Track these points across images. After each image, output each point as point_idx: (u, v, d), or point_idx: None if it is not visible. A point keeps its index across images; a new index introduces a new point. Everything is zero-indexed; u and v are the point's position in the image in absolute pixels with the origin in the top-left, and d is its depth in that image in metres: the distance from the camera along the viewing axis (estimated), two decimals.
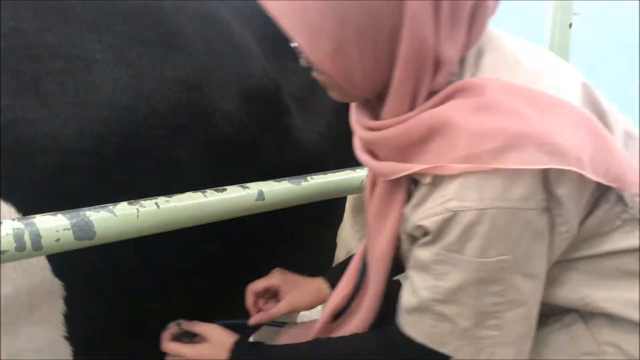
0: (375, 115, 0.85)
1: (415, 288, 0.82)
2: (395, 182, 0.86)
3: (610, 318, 0.84)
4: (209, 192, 0.95)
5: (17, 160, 0.92)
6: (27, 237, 0.79)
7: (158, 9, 1.10)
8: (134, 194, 0.93)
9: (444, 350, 0.81)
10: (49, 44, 0.97)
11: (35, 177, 0.93)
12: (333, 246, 1.46)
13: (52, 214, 0.83)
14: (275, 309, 1.09)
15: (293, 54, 1.27)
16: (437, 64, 0.76)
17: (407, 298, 0.84)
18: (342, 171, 1.18)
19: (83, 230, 0.84)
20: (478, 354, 0.80)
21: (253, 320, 1.09)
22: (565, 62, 0.91)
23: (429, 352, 0.82)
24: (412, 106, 0.78)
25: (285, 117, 1.22)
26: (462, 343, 0.80)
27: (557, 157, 0.72)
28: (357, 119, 0.88)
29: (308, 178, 1.11)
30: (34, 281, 0.96)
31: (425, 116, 0.76)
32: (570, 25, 1.61)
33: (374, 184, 0.93)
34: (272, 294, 1.13)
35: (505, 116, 0.73)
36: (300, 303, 1.11)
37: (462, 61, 0.81)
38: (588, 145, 0.75)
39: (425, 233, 0.79)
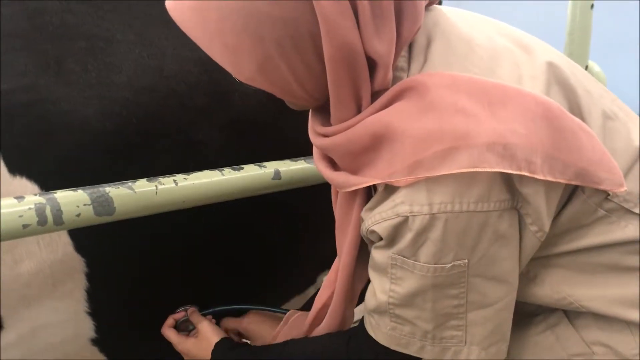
0: (328, 121, 0.81)
1: (375, 290, 0.80)
2: (353, 193, 0.84)
3: (598, 316, 0.80)
4: (226, 170, 0.96)
5: (40, 138, 0.94)
6: (48, 212, 0.81)
7: None
8: (154, 174, 0.94)
9: (407, 352, 0.79)
10: (71, 24, 0.98)
11: (58, 155, 0.95)
12: None
13: (73, 190, 0.84)
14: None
15: None
16: (371, 63, 0.72)
17: (368, 298, 0.82)
18: None
19: (103, 205, 0.85)
20: (443, 353, 0.78)
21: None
22: (534, 37, 0.86)
23: (392, 353, 0.80)
24: (358, 109, 0.75)
25: None
26: (425, 343, 0.78)
27: (506, 159, 0.66)
28: (311, 125, 0.86)
29: None
30: (57, 257, 0.98)
31: (369, 122, 0.73)
32: (592, 6, 1.57)
33: (337, 192, 0.91)
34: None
35: (451, 116, 0.68)
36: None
37: (409, 51, 0.77)
38: (545, 141, 0.68)
39: (380, 238, 0.77)
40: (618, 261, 0.77)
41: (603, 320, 0.80)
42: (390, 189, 0.74)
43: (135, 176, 0.92)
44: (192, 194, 0.92)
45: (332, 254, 0.97)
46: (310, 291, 1.41)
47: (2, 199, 0.79)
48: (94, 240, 1.00)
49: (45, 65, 0.95)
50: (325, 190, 0.97)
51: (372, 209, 0.77)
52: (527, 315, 0.86)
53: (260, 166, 0.99)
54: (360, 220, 0.83)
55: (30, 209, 0.79)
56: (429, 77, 0.71)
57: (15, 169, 0.94)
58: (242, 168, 0.97)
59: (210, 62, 1.13)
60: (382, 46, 0.71)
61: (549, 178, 0.68)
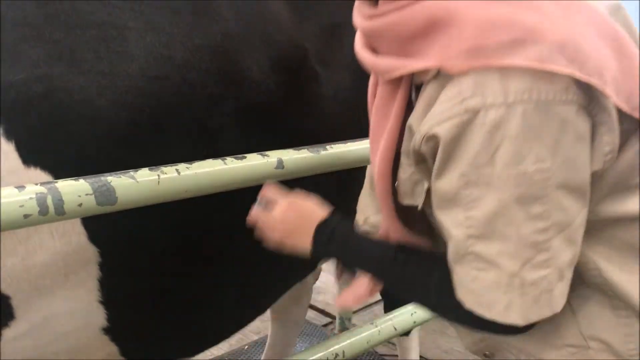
0: (376, 4, 0.75)
1: (449, 232, 0.71)
2: (395, 86, 0.77)
3: (603, 309, 0.74)
4: (228, 159, 0.95)
5: (54, 129, 0.94)
6: (50, 202, 0.81)
7: None
8: (167, 162, 0.93)
9: (493, 314, 0.70)
10: (83, 12, 0.98)
11: (72, 146, 0.96)
12: (352, 213, 1.43)
13: (74, 179, 0.85)
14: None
15: (320, 17, 1.26)
16: None
17: (449, 252, 0.74)
18: (361, 141, 1.14)
19: (104, 195, 0.86)
20: (534, 308, 0.69)
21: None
22: None
23: (482, 324, 0.72)
24: None
25: (313, 84, 1.21)
26: (512, 296, 0.69)
27: (576, 63, 0.62)
28: (357, 7, 0.80)
29: (327, 147, 1.08)
30: (70, 247, 0.99)
31: (427, 5, 0.67)
32: None
33: (375, 93, 0.83)
34: None
35: (524, 9, 0.64)
36: None
37: None
38: (612, 63, 0.65)
39: (435, 150, 0.68)
40: None
41: (608, 315, 0.75)
42: (445, 83, 0.68)
43: (148, 165, 0.92)
44: (195, 183, 0.91)
45: None
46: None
47: (3, 188, 0.80)
48: (108, 230, 1.01)
49: (58, 55, 0.95)
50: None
51: (425, 110, 0.71)
52: None
53: (263, 155, 0.98)
54: (409, 132, 0.75)
55: (31, 198, 0.80)
56: None
57: (29, 160, 0.94)
58: (245, 157, 0.96)
59: (219, 49, 1.15)
60: None
61: (615, 98, 0.65)
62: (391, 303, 1.72)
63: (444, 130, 0.67)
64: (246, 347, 2.46)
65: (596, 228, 0.73)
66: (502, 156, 0.65)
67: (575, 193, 0.68)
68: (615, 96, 0.65)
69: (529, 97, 0.64)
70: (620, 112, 0.68)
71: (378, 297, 1.98)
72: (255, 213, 0.93)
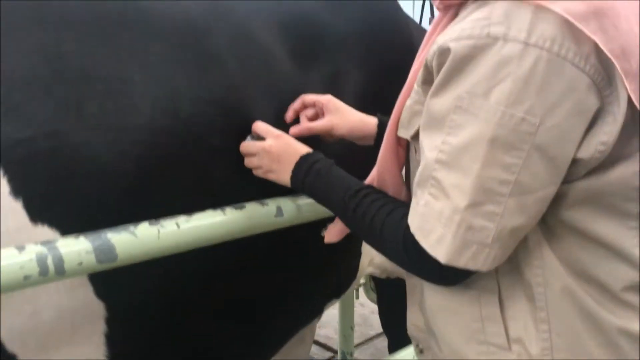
0: None
1: (424, 151, 0.72)
2: (442, 15, 0.78)
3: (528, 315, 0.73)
4: (228, 209, 0.95)
5: (62, 185, 0.95)
6: (50, 262, 0.82)
7: (193, 29, 1.11)
8: (171, 213, 0.94)
9: (425, 242, 0.70)
10: (90, 67, 1.00)
11: (79, 201, 0.96)
12: (358, 254, 1.41)
13: (75, 237, 0.86)
14: (314, 124, 1.07)
15: (321, 65, 1.27)
16: None
17: (416, 176, 0.75)
18: None
19: (105, 252, 0.86)
20: (460, 251, 0.69)
21: (292, 130, 1.09)
22: None
23: (419, 256, 0.72)
24: None
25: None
26: (446, 232, 0.68)
27: (606, 35, 0.62)
28: None
29: None
30: (77, 303, 0.99)
31: None
32: None
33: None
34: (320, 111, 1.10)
35: None
36: (340, 126, 1.07)
37: None
38: None
39: (441, 67, 0.68)
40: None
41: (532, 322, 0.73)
42: (481, 4, 0.68)
43: (154, 216, 0.92)
44: (195, 236, 0.91)
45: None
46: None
47: (3, 249, 0.80)
48: (115, 284, 1.00)
49: (66, 110, 0.97)
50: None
51: (451, 26, 0.70)
52: (479, 288, 0.78)
53: (262, 204, 0.97)
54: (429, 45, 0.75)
55: (31, 259, 0.81)
56: None
57: (37, 217, 0.95)
58: (244, 206, 0.96)
59: (224, 101, 1.16)
60: None
61: (629, 91, 0.64)
62: (396, 342, 1.69)
63: (458, 47, 0.66)
64: None
65: (553, 229, 0.72)
66: (499, 92, 0.64)
67: (550, 163, 0.66)
68: (631, 88, 0.64)
69: (550, 46, 0.63)
70: (628, 114, 0.66)
71: (380, 329, 1.95)
72: (246, 144, 1.04)
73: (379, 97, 1.23)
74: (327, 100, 1.09)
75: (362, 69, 1.33)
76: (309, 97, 1.11)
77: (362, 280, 2.03)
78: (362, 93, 1.30)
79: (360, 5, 1.39)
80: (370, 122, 1.08)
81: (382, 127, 1.05)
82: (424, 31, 1.23)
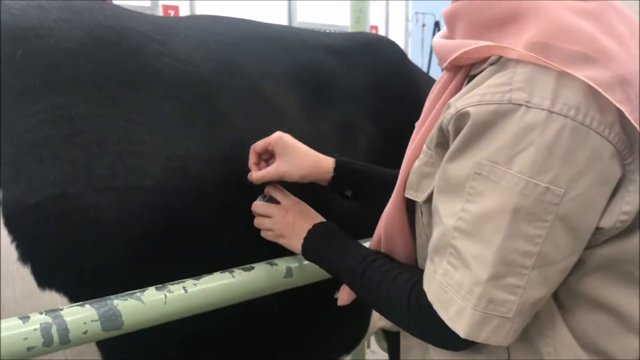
0: None
1: (440, 218, 0.69)
2: (454, 73, 0.75)
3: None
4: (236, 271, 0.93)
5: (70, 250, 0.94)
6: (54, 332, 0.80)
7: (203, 88, 1.12)
8: (184, 276, 0.92)
9: (445, 314, 0.67)
10: (100, 129, 1.00)
11: (87, 265, 0.95)
12: (369, 310, 1.36)
13: (80, 305, 0.84)
14: (264, 172, 1.03)
15: (334, 117, 1.26)
16: None
17: (431, 240, 0.72)
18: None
19: (110, 320, 0.84)
20: (481, 325, 0.65)
21: (250, 177, 1.06)
22: None
23: (432, 323, 0.69)
24: None
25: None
26: (467, 304, 0.65)
27: (631, 104, 0.61)
28: None
29: None
30: None
31: None
32: None
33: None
34: (271, 156, 1.07)
35: (607, 33, 0.63)
36: (290, 173, 1.02)
37: None
38: None
39: (460, 131, 0.65)
40: None
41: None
42: (502, 69, 0.65)
43: (165, 280, 0.91)
44: (203, 300, 0.89)
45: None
46: None
47: (5, 320, 0.79)
48: (123, 350, 0.98)
49: (74, 174, 0.96)
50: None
51: (467, 92, 0.68)
52: (488, 352, 0.75)
53: (271, 264, 0.95)
54: (443, 108, 0.73)
55: (35, 330, 0.79)
56: None
57: (44, 283, 0.94)
58: (253, 267, 0.94)
59: (234, 159, 1.15)
60: None
61: None
62: None
63: (478, 112, 0.64)
64: None
65: (566, 298, 0.70)
66: (522, 161, 0.62)
67: (573, 233, 0.64)
68: None
69: (574, 115, 0.61)
70: None
71: (385, 355, 1.92)
72: (260, 204, 1.03)
73: (391, 148, 1.22)
74: (276, 140, 1.04)
75: (373, 121, 1.32)
76: (258, 145, 1.07)
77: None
78: (374, 145, 1.28)
79: (371, 57, 1.39)
80: (324, 166, 1.05)
81: (339, 170, 1.04)
82: (432, 81, 1.22)
